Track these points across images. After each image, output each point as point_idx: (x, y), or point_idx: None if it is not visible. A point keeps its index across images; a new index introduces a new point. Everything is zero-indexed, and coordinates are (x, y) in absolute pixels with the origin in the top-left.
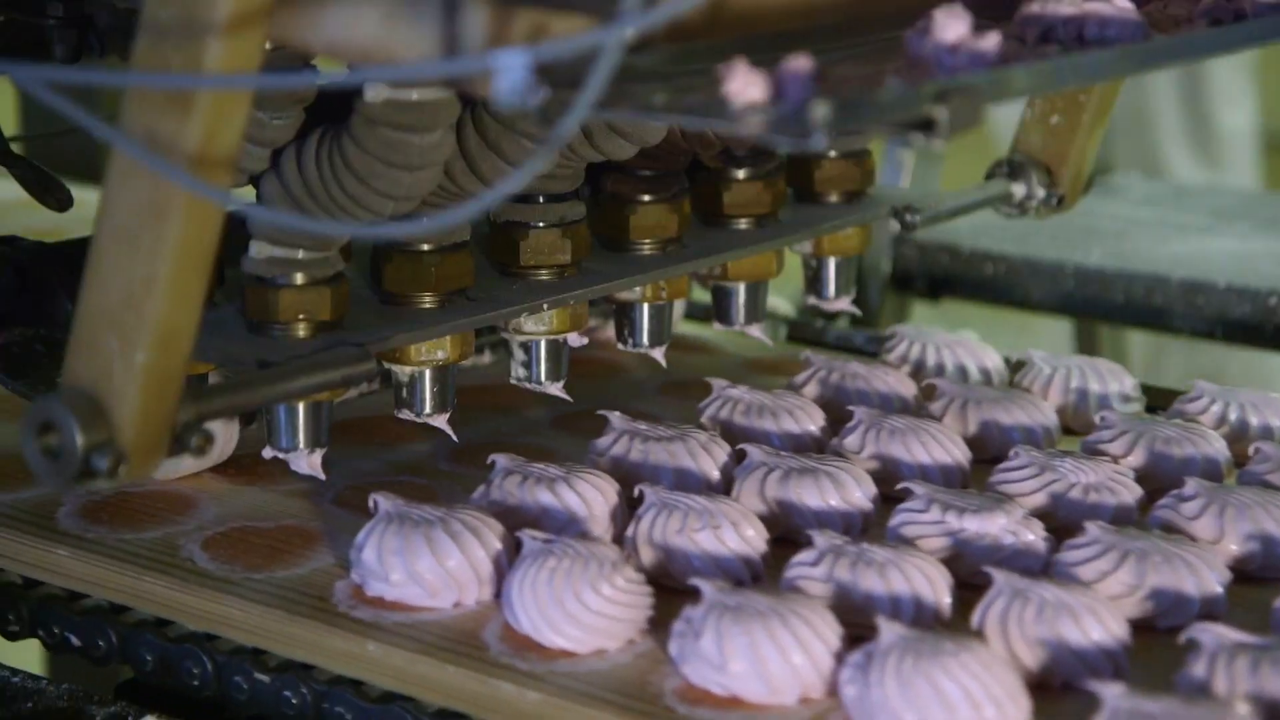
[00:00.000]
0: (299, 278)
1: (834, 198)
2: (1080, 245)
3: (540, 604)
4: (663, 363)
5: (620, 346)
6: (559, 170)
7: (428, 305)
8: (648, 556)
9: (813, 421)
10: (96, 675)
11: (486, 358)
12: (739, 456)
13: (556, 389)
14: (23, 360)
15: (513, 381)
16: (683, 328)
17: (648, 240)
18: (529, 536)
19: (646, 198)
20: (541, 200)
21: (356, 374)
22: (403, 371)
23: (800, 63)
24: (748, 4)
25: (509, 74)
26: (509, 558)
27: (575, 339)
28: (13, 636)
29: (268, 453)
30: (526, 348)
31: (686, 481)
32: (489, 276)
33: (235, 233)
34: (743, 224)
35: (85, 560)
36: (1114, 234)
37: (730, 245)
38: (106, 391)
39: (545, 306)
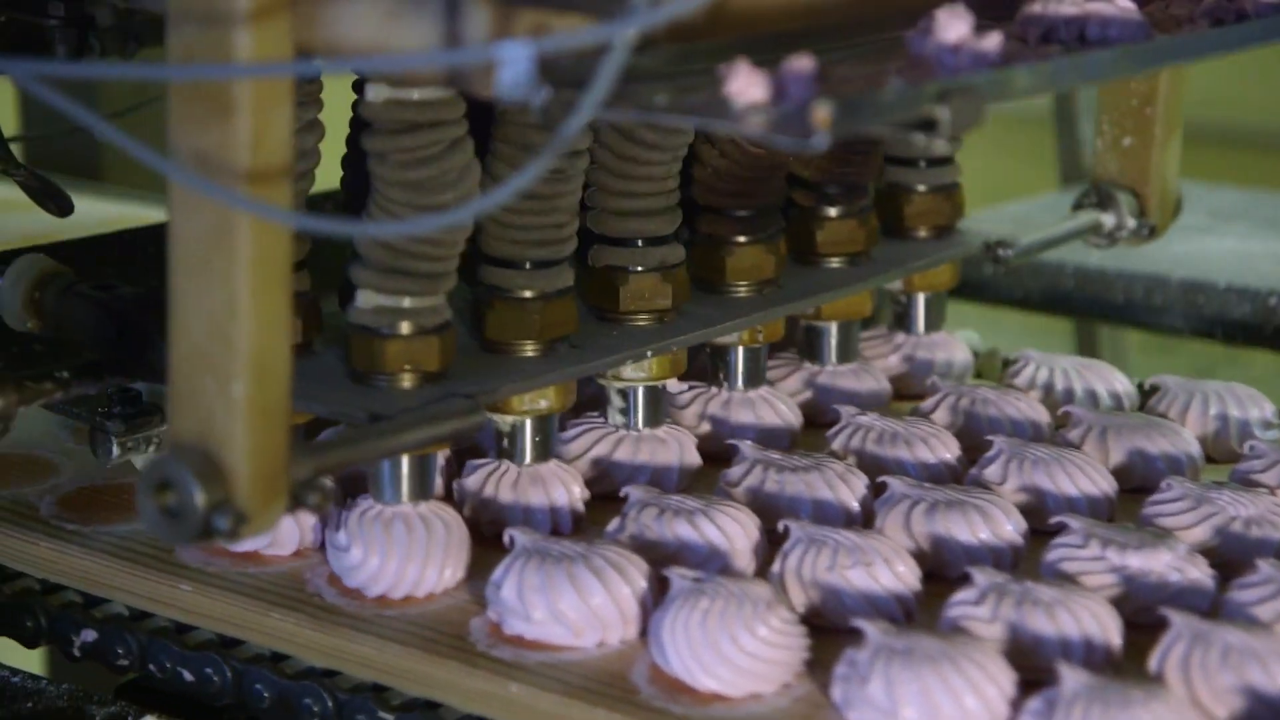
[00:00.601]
0: (405, 327)
1: (924, 233)
2: (1080, 245)
3: (693, 645)
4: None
5: (714, 390)
6: (652, 205)
7: (530, 354)
8: (797, 595)
9: (948, 450)
10: (96, 675)
11: None
12: (877, 488)
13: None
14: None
15: (610, 427)
16: None
17: (744, 282)
18: (677, 575)
19: (742, 239)
20: (640, 244)
21: (467, 427)
22: (504, 421)
23: (802, 63)
24: (749, 4)
25: (512, 66)
26: (653, 595)
27: (675, 385)
28: (122, 670)
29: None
30: (624, 394)
31: (826, 513)
32: (585, 321)
33: (327, 272)
34: (835, 262)
35: (208, 595)
36: None
37: (825, 285)
38: (213, 437)
39: (649, 354)
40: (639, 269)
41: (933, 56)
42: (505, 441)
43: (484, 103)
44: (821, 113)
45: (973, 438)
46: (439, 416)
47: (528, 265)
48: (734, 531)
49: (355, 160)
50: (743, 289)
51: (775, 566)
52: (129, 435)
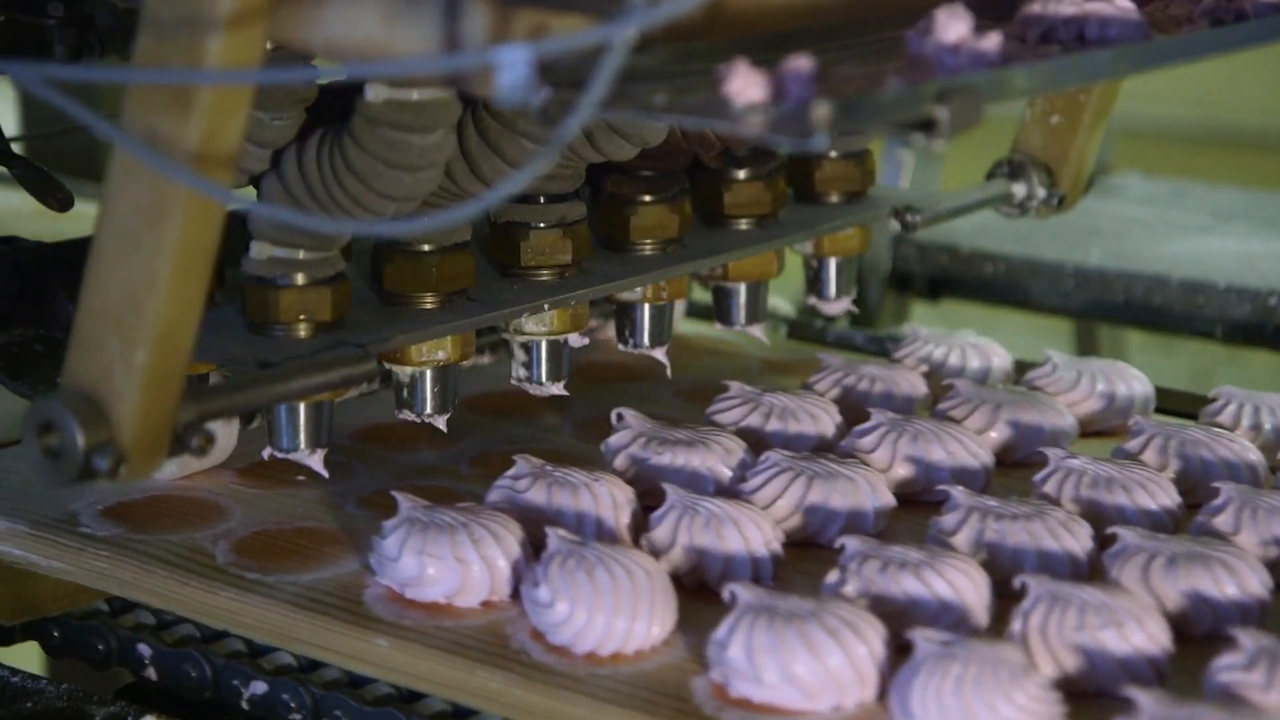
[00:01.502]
0: (300, 278)
1: (834, 198)
2: (1080, 245)
3: (946, 713)
4: (665, 363)
5: (620, 347)
6: (560, 171)
7: (429, 305)
8: (1043, 657)
9: (1169, 497)
10: (96, 676)
11: (486, 359)
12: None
13: (557, 389)
14: (22, 360)
15: (513, 382)
16: (682, 327)
17: (648, 240)
18: (923, 638)
19: (647, 198)
20: (542, 200)
21: (357, 374)
22: (404, 372)
23: (801, 62)
24: (748, 4)
25: (511, 70)
26: (889, 657)
27: (576, 339)
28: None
29: (267, 453)
30: (527, 348)
31: (1052, 565)
32: (490, 277)
33: (236, 234)
34: (743, 224)
35: (406, 651)
36: (1114, 234)
37: (731, 245)
38: (107, 391)
39: (546, 307)
40: (541, 225)
41: (932, 56)
42: (405, 393)
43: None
44: (820, 113)
45: (1188, 481)
46: (328, 364)
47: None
48: (965, 586)
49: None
50: (647, 247)
51: (1015, 626)
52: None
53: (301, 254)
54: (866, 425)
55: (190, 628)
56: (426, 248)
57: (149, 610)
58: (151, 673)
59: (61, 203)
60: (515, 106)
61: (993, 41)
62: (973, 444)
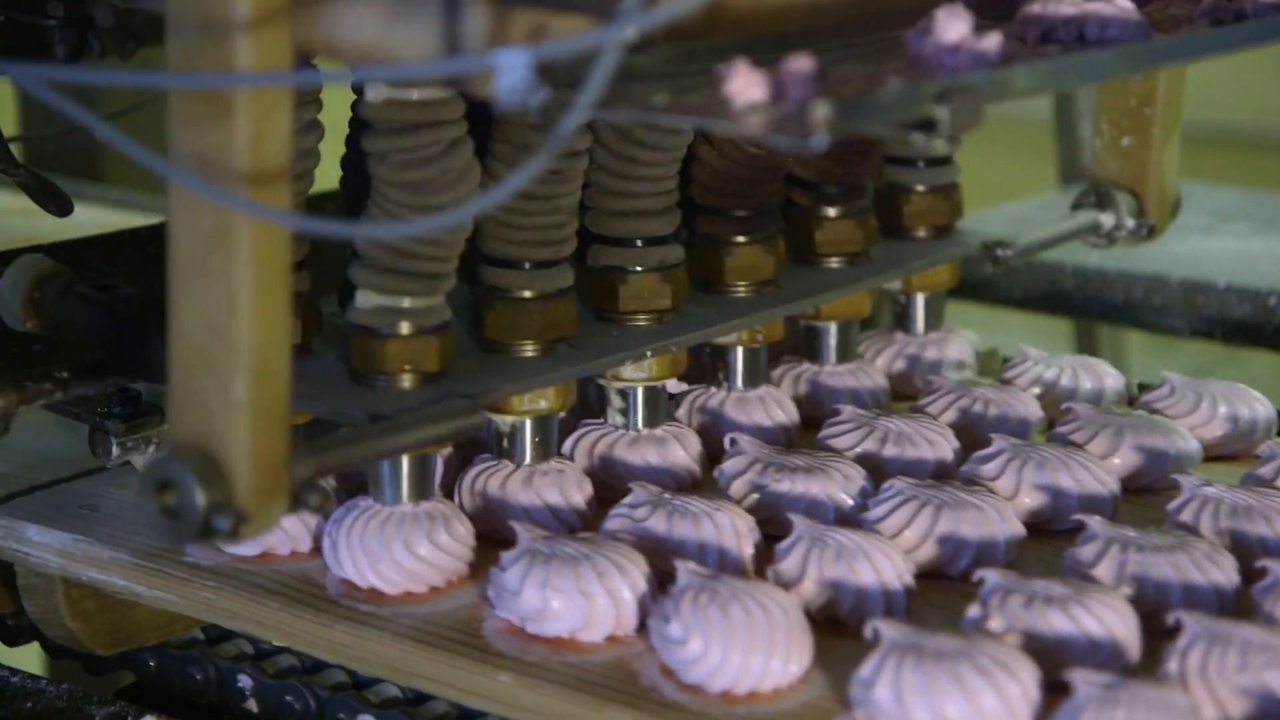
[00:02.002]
0: (405, 327)
1: (923, 233)
2: (1080, 245)
3: None
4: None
5: (713, 390)
6: (654, 205)
7: (529, 354)
8: (1207, 703)
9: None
10: (96, 676)
11: None
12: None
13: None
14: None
15: (610, 428)
16: None
17: (743, 282)
18: (1083, 680)
19: (741, 239)
20: (640, 244)
21: (467, 426)
22: (504, 421)
23: (801, 62)
24: (748, 4)
25: (510, 73)
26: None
27: (674, 385)
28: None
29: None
30: (624, 394)
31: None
32: (584, 321)
33: (327, 273)
34: (834, 263)
35: (531, 688)
36: None
37: (823, 285)
38: (213, 437)
39: (649, 354)
40: (638, 269)
41: (932, 56)
42: (505, 442)
43: (483, 103)
44: (820, 113)
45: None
46: (438, 416)
47: (527, 265)
48: (1114, 622)
49: (355, 160)
50: (741, 289)
51: (1172, 665)
52: (129, 435)
53: (407, 302)
54: (988, 451)
55: (291, 658)
56: (528, 294)
57: (248, 639)
58: (253, 704)
59: (61, 208)
60: (515, 108)
61: (993, 41)
62: (1099, 470)
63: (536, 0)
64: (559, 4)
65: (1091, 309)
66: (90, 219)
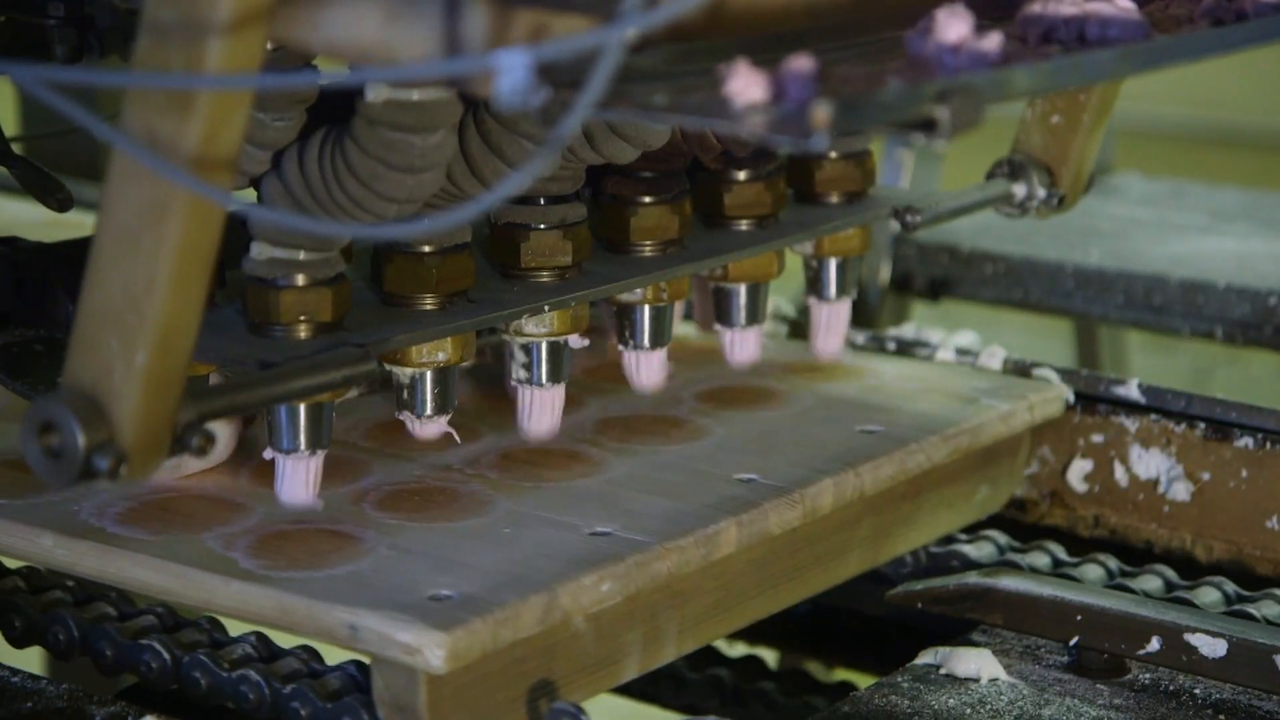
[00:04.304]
0: (300, 279)
1: (835, 198)
2: (1080, 245)
3: None
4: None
5: (620, 348)
6: (560, 172)
7: (429, 306)
8: None
9: None
10: (96, 676)
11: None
12: None
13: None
14: (22, 360)
15: (512, 384)
16: (682, 328)
17: (649, 242)
18: None
19: (647, 199)
20: (543, 202)
21: (358, 374)
22: (404, 373)
23: (801, 62)
24: (748, 4)
25: (510, 74)
26: None
27: (576, 340)
28: None
29: (268, 454)
30: (527, 349)
31: None
32: (489, 278)
33: (235, 234)
34: (744, 225)
35: None
36: (1114, 234)
37: (731, 246)
38: (107, 391)
39: (546, 308)
40: (541, 226)
41: (932, 56)
42: (405, 394)
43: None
44: (821, 113)
45: None
46: (328, 364)
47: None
48: None
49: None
50: (647, 248)
51: None
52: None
53: (302, 255)
54: None
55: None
56: (427, 249)
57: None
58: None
59: (61, 203)
60: (515, 109)
61: (993, 41)
62: None
63: (537, 0)
64: (559, 4)
65: (1091, 309)
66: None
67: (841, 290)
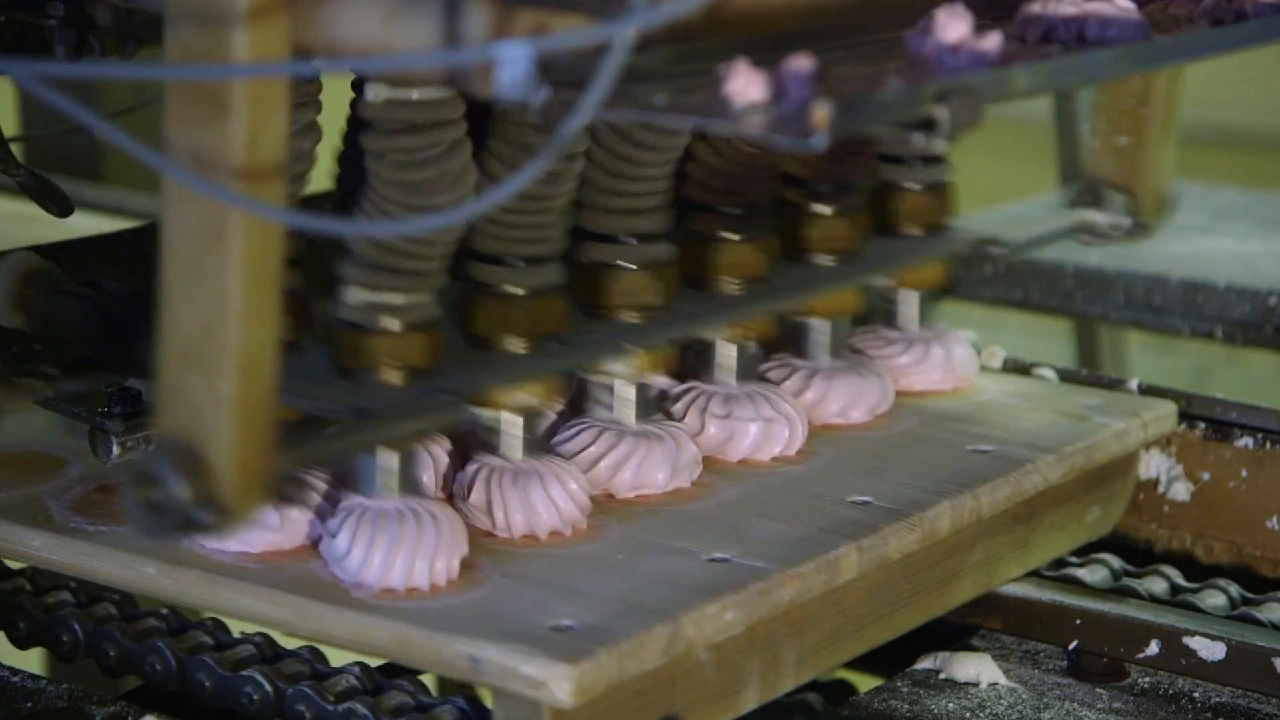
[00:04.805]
0: (393, 323)
1: (915, 230)
2: (1080, 245)
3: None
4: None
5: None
6: (643, 204)
7: (517, 350)
8: None
9: None
10: (96, 676)
11: None
12: None
13: None
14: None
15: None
16: None
17: (733, 279)
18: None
19: (732, 236)
20: (630, 240)
21: (450, 421)
22: (490, 416)
23: (802, 62)
24: (748, 4)
25: (511, 66)
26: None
27: (664, 382)
28: None
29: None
30: (610, 389)
31: None
32: (574, 318)
33: (317, 271)
34: (826, 260)
35: None
36: None
37: (814, 282)
38: (200, 433)
39: (636, 350)
40: (628, 265)
41: (932, 56)
42: (491, 437)
43: (481, 102)
44: (821, 113)
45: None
46: (421, 411)
47: (517, 262)
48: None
49: (351, 158)
50: (732, 286)
51: None
52: (128, 434)
53: (395, 298)
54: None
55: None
56: (517, 291)
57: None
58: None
59: (61, 208)
60: (515, 104)
61: (993, 41)
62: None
63: (537, 0)
64: (559, 4)
65: (1091, 309)
66: (90, 225)
67: (920, 323)
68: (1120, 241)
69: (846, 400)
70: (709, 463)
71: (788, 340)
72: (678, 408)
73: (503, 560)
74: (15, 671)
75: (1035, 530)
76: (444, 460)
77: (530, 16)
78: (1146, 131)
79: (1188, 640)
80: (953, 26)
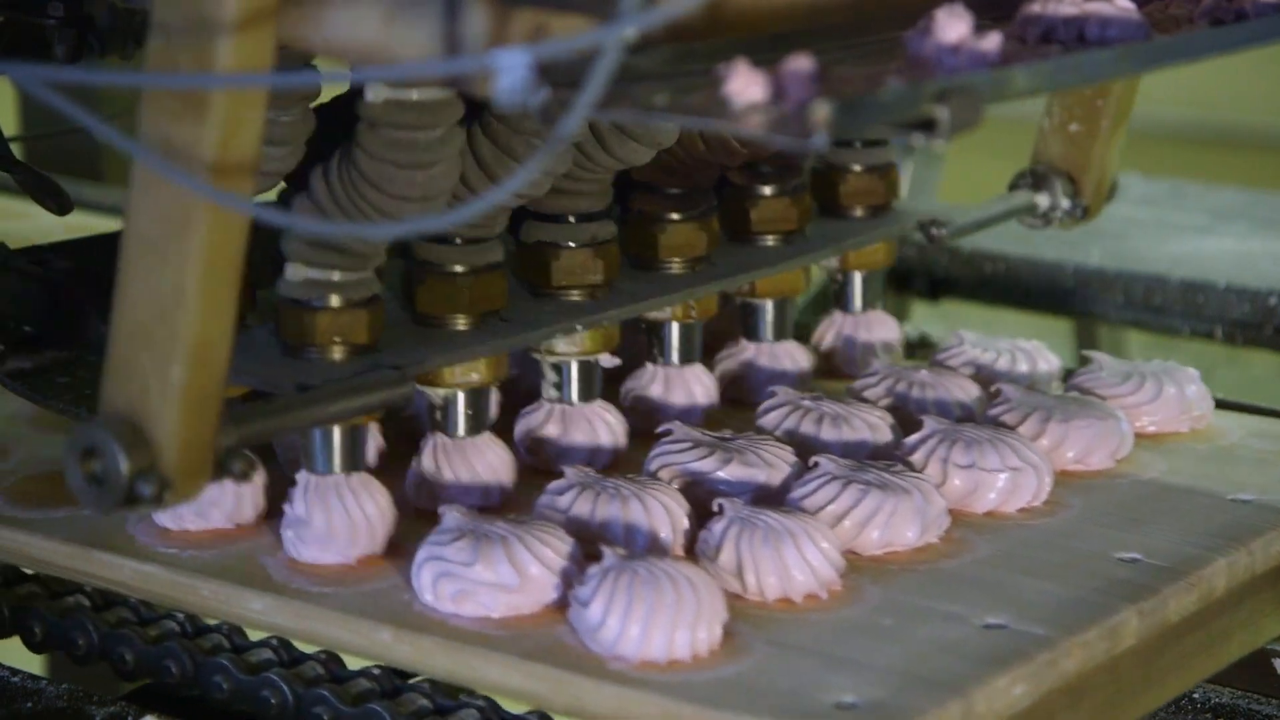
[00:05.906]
0: (335, 300)
1: (859, 212)
2: (1080, 245)
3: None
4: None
5: (650, 366)
6: (587, 187)
7: (461, 327)
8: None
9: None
10: (95, 675)
11: None
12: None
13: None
14: (52, 384)
15: (545, 403)
16: None
17: (677, 259)
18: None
19: (675, 216)
20: (573, 220)
21: (395, 397)
22: (436, 394)
23: (801, 62)
24: (748, 4)
25: (510, 73)
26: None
27: (607, 359)
28: None
29: (302, 475)
30: (558, 368)
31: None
32: (520, 297)
33: (266, 253)
34: (770, 241)
35: None
36: (1114, 234)
37: (758, 262)
38: (145, 413)
39: (580, 327)
40: (571, 244)
41: (932, 56)
42: (438, 414)
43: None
44: (820, 113)
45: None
46: (366, 387)
47: (459, 240)
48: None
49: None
50: (675, 265)
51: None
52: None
53: (337, 275)
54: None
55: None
56: (459, 269)
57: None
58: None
59: (61, 206)
60: (515, 109)
61: (993, 41)
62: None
63: (536, 0)
64: (559, 4)
65: (1091, 309)
66: (90, 225)
67: (866, 304)
68: (1062, 224)
69: (1086, 444)
70: (953, 515)
71: (733, 321)
72: (917, 456)
73: (762, 626)
74: (15, 672)
75: None
76: (683, 519)
77: (530, 17)
78: (1099, 122)
79: None
80: (952, 27)
